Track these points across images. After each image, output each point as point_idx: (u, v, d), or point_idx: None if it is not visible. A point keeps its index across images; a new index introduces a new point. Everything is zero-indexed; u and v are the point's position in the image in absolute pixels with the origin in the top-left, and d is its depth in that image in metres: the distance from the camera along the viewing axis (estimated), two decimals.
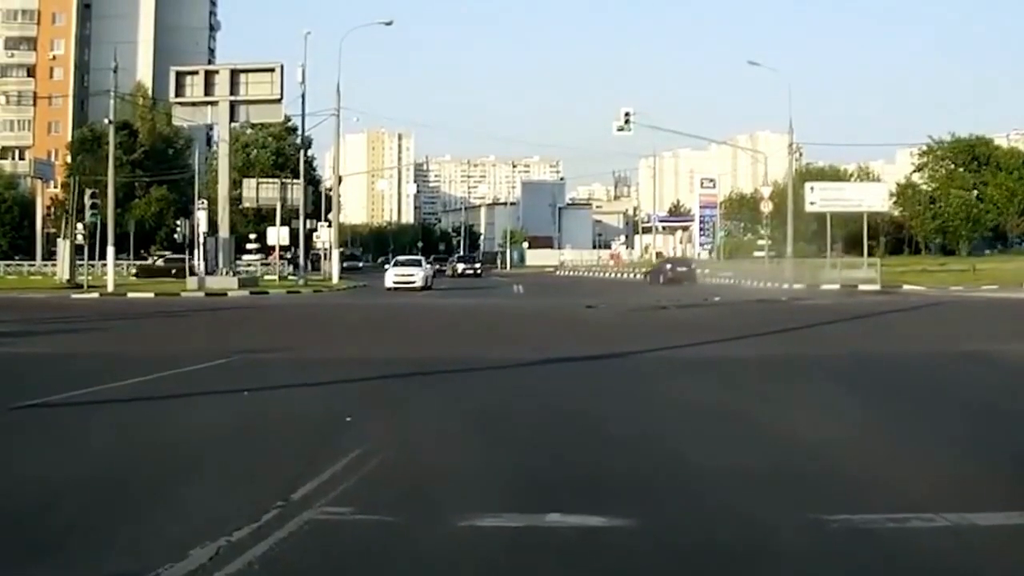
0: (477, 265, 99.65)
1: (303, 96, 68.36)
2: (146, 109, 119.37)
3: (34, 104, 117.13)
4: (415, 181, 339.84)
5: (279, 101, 51.80)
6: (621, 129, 66.17)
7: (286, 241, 77.98)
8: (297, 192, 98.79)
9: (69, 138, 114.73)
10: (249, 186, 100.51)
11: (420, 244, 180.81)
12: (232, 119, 51.23)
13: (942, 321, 29.58)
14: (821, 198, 66.70)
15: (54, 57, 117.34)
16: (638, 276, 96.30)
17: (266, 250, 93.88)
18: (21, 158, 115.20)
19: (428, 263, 57.82)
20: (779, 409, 12.08)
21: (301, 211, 62.29)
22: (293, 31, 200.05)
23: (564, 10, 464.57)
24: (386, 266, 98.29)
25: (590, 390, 13.82)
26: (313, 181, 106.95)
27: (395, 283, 52.52)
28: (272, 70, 51.03)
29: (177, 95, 51.56)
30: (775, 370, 16.34)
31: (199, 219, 68.39)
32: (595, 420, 10.95)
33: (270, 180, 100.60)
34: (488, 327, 27.11)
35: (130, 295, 46.28)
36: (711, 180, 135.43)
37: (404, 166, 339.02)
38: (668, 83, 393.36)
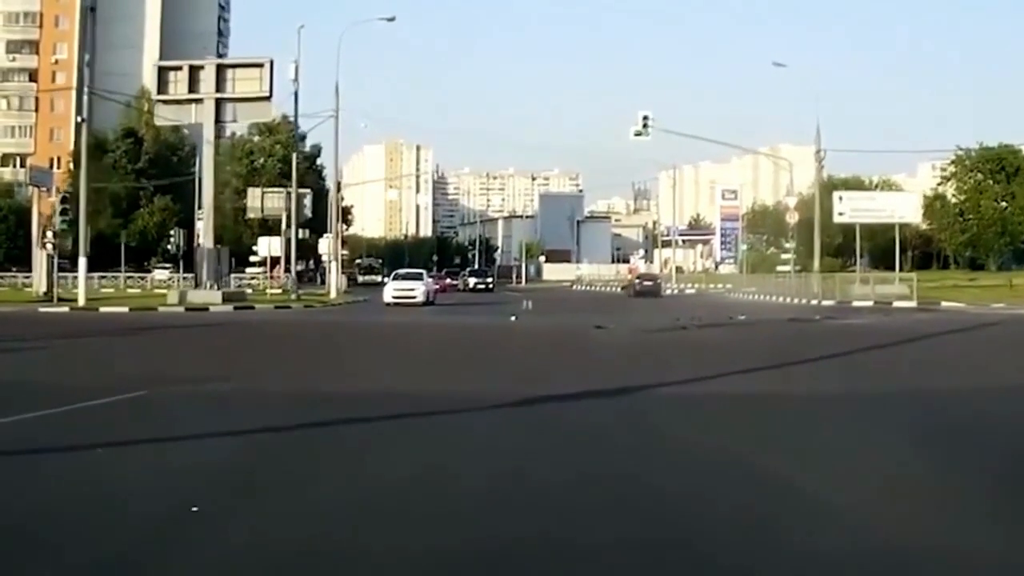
0: (489, 280, 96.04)
1: (296, 94, 65.04)
2: (151, 115, 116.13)
3: (36, 110, 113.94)
4: (433, 194, 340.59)
5: (268, 99, 48.00)
6: (639, 134, 62.55)
7: (278, 252, 74.73)
8: (305, 201, 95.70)
9: (72, 145, 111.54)
10: (254, 195, 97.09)
11: (435, 257, 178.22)
12: (219, 118, 47.43)
13: (1004, 345, 25.69)
14: (851, 208, 62.85)
15: (56, 61, 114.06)
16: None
17: (271, 263, 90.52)
18: (22, 165, 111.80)
19: (430, 277, 54.01)
20: (861, 493, 8.01)
21: (293, 218, 58.41)
22: (305, 37, 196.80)
23: (583, 21, 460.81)
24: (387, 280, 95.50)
25: (572, 452, 9.80)
26: (321, 191, 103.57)
27: (394, 298, 48.94)
28: (260, 65, 47.24)
29: (160, 92, 47.81)
30: (830, 416, 12.45)
31: (198, 229, 64.69)
32: (565, 519, 7.05)
33: (276, 189, 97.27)
34: (478, 351, 23.43)
35: (103, 309, 42.56)
36: (732, 192, 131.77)
37: (421, 177, 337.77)
38: (689, 94, 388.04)
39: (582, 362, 20.49)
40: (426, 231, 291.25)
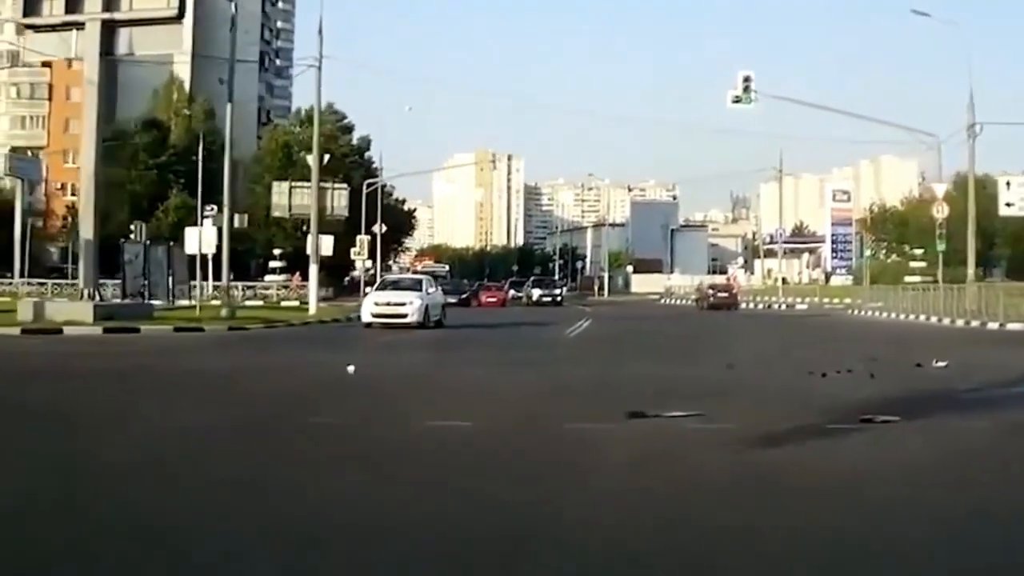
0: (557, 291, 79.70)
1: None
2: (181, 105, 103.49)
3: (49, 98, 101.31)
4: (526, 204, 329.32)
5: (177, 20, 33.21)
6: (738, 100, 47.76)
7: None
8: (341, 199, 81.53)
9: None
10: (280, 191, 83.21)
11: (515, 268, 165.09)
12: (108, 50, 33.06)
13: None
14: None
15: None
16: (759, 306, 77.76)
17: (295, 269, 76.72)
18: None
19: (433, 287, 37.86)
20: None
21: (226, 210, 41.55)
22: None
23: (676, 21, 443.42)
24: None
25: None
26: (374, 189, 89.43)
27: (375, 316, 34.09)
28: None
29: (27, 14, 33.15)
30: None
31: (203, 230, 50.82)
32: None
33: (306, 184, 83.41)
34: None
35: None
36: (845, 192, 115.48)
37: (512, 187, 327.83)
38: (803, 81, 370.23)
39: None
40: (518, 242, 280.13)
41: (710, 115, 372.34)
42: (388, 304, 34.16)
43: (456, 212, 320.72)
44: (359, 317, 36.21)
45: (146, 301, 40.11)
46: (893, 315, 52.87)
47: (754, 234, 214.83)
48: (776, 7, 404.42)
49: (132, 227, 52.64)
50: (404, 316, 33.54)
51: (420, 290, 35.77)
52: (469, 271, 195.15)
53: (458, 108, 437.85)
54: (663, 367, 19.93)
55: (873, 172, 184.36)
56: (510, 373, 18.34)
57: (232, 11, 46.77)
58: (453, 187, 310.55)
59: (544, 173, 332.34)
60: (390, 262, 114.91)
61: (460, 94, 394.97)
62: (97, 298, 32.80)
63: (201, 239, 39.36)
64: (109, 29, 32.80)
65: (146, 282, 41.76)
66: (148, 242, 45.41)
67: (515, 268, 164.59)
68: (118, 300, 40.86)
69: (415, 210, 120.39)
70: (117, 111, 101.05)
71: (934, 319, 46.39)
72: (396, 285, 37.64)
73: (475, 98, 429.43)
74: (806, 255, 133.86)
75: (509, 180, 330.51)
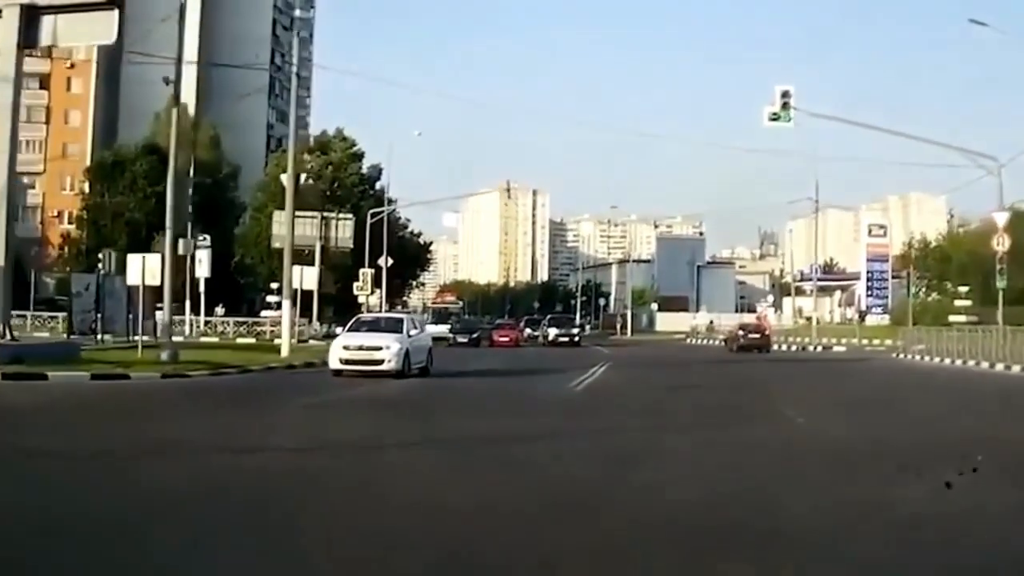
0: (575, 330, 73.40)
1: None
2: (186, 131, 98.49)
3: (47, 122, 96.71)
4: (552, 241, 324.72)
5: (109, 6, 27.83)
6: (775, 117, 42.75)
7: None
8: (346, 230, 76.47)
9: (88, 161, 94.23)
10: (280, 220, 78.11)
11: (536, 304, 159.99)
12: (29, 40, 27.79)
13: None
14: None
15: (72, 65, 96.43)
16: (792, 347, 71.93)
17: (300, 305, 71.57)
18: (30, 187, 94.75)
19: (417, 325, 32.30)
20: None
21: (168, 235, 35.23)
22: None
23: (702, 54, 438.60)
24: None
25: None
26: (386, 222, 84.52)
27: (344, 362, 28.67)
28: None
29: None
30: None
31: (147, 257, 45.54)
32: None
33: (309, 214, 78.29)
34: None
35: None
36: (881, 227, 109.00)
37: (536, 223, 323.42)
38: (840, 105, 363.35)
39: None
40: (543, 278, 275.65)
41: (743, 140, 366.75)
42: (360, 348, 28.59)
43: (480, 248, 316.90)
44: (313, 366, 30.70)
45: (99, 337, 35.14)
46: (938, 359, 47.56)
47: (782, 271, 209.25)
48: (809, 24, 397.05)
49: (100, 255, 47.45)
50: (379, 363, 28.04)
51: (400, 331, 30.05)
52: (491, 307, 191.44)
53: (482, 140, 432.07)
54: (708, 457, 14.04)
55: (902, 207, 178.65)
56: (472, 469, 12.40)
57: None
58: (477, 222, 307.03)
59: (570, 208, 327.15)
60: (405, 297, 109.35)
61: (484, 126, 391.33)
62: (8, 336, 27.40)
63: (144, 268, 33.73)
64: (31, 16, 27.47)
65: (99, 316, 36.73)
66: (103, 272, 40.17)
67: (536, 305, 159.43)
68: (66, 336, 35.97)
69: (431, 244, 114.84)
70: (123, 135, 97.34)
71: (985, 364, 41.12)
72: (372, 326, 31.82)
73: (501, 131, 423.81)
74: (838, 293, 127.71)
75: (534, 215, 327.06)
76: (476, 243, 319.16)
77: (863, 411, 20.90)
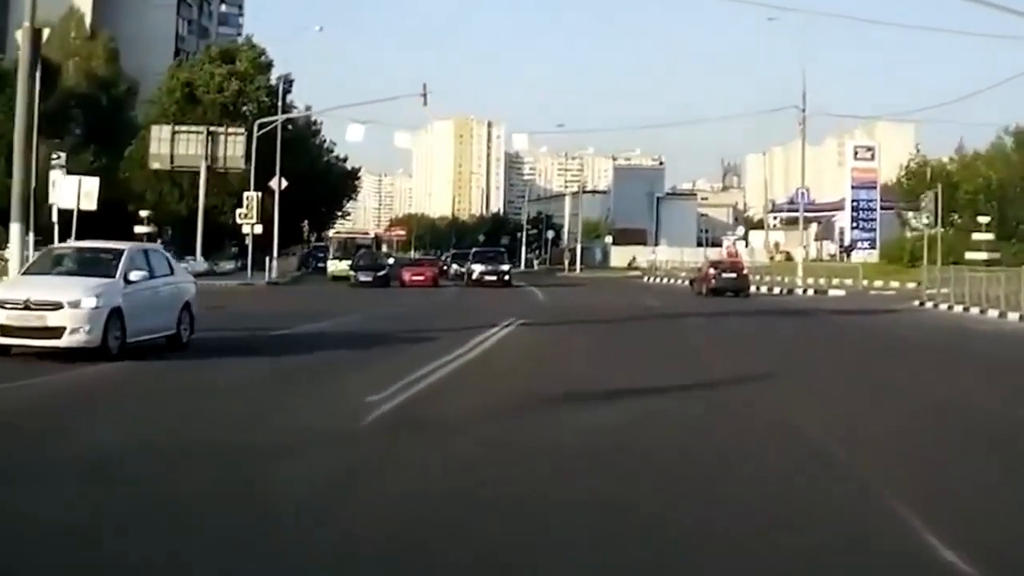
0: (504, 267, 59.29)
1: None
2: (80, 43, 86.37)
3: None
4: (507, 174, 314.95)
5: None
6: None
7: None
8: (237, 148, 64.18)
9: None
10: (160, 137, 65.63)
11: (481, 238, 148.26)
12: None
13: None
14: None
15: None
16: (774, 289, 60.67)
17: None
18: None
19: (150, 263, 17.91)
20: None
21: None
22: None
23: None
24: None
25: None
26: (293, 137, 72.43)
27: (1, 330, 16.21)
28: None
29: None
30: None
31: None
32: None
33: (197, 128, 65.78)
34: None
35: None
36: (868, 149, 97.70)
37: (492, 155, 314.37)
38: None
39: None
40: (495, 211, 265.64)
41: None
42: (26, 307, 16.41)
43: (434, 181, 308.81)
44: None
45: None
46: (974, 309, 36.66)
47: (746, 203, 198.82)
48: None
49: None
50: (55, 332, 16.17)
51: (109, 275, 17.61)
52: (441, 242, 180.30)
53: (439, 71, 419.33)
54: None
55: (867, 139, 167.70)
56: None
57: None
58: (432, 155, 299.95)
59: (524, 140, 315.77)
60: (329, 231, 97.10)
61: (442, 59, 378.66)
62: None
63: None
64: None
65: None
66: None
67: (481, 239, 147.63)
68: None
69: (359, 169, 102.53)
70: (11, 50, 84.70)
71: None
72: (61, 264, 19.01)
73: (457, 64, 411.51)
74: (813, 226, 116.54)
75: (489, 147, 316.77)
76: (430, 176, 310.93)
77: None
